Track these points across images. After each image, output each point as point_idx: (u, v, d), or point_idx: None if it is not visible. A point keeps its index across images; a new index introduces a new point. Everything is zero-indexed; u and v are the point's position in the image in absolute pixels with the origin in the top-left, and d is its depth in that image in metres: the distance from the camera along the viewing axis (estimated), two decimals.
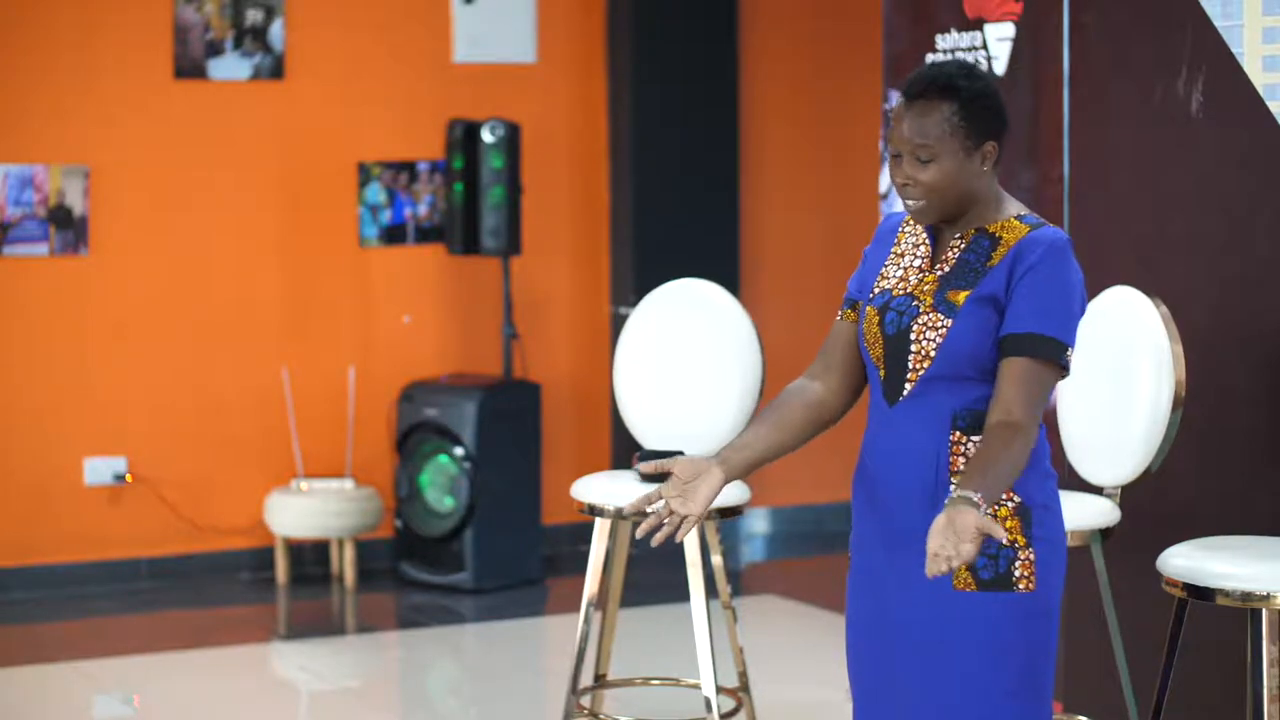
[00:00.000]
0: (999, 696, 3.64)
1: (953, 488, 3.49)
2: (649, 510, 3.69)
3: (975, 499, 3.43)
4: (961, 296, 3.64)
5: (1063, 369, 3.62)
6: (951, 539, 3.38)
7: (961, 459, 3.64)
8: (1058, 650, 5.67)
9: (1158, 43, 5.39)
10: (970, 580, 3.63)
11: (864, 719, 3.79)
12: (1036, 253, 3.62)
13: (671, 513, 3.67)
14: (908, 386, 3.68)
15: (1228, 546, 4.43)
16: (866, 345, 3.75)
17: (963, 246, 3.70)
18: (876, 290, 3.76)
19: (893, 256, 3.79)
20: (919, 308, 3.67)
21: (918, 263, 3.74)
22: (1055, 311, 3.61)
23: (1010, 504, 3.64)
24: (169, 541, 8.25)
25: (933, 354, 3.65)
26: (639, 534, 3.67)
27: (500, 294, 8.50)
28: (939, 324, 3.65)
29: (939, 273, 3.70)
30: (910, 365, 3.67)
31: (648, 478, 3.54)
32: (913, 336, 3.66)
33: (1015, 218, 3.69)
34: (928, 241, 3.75)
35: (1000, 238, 3.67)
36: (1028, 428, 3.57)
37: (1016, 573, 3.63)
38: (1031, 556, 3.64)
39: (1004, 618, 3.63)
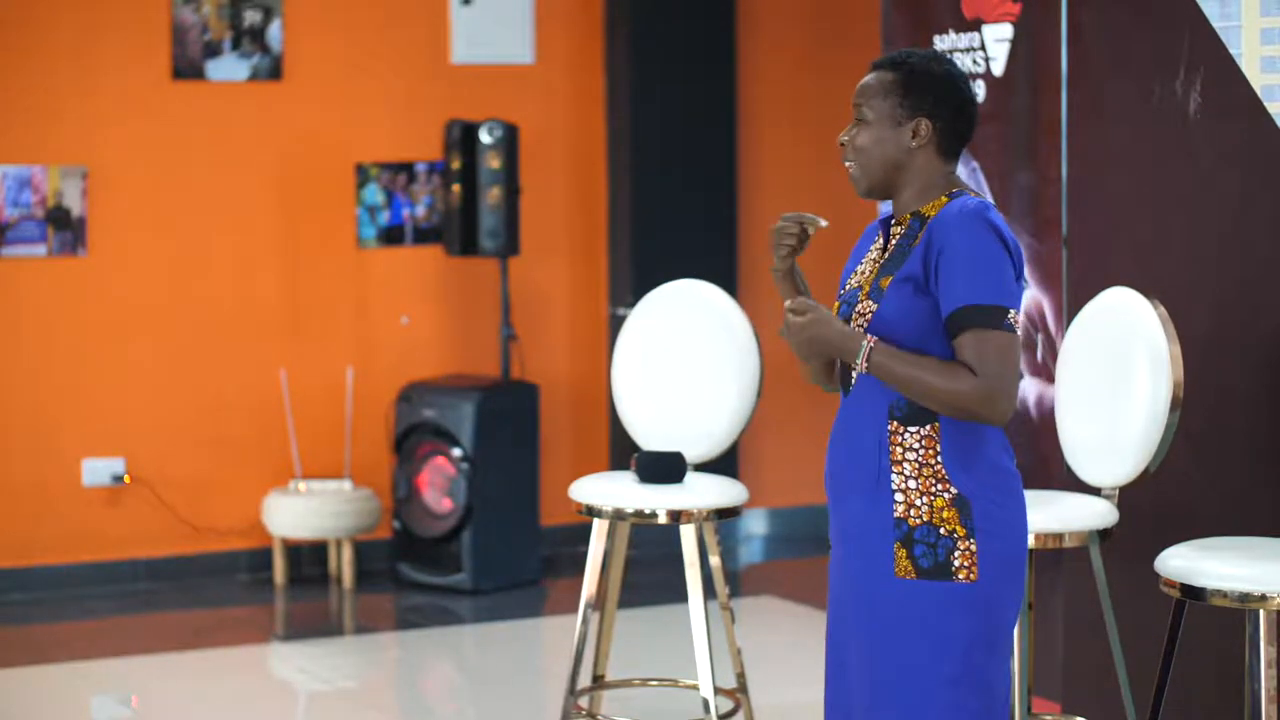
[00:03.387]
0: (935, 684, 3.67)
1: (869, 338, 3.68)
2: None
3: (868, 341, 3.65)
4: (888, 281, 3.73)
5: (1008, 331, 3.64)
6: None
7: (899, 448, 3.69)
8: (1058, 651, 5.68)
9: (1156, 43, 5.39)
10: (910, 568, 3.68)
11: (828, 704, 3.86)
12: (948, 226, 3.69)
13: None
14: (854, 376, 3.77)
15: (1225, 547, 4.43)
16: None
17: (900, 232, 3.80)
18: (846, 289, 3.88)
19: (866, 256, 3.90)
20: (858, 296, 3.78)
21: (874, 256, 3.84)
22: (981, 278, 3.65)
23: (947, 494, 3.68)
24: (167, 542, 8.25)
25: None
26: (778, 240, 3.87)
27: (498, 295, 8.50)
28: (867, 310, 3.74)
29: (881, 262, 3.80)
30: None
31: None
32: (851, 325, 3.75)
33: (945, 195, 3.77)
34: (882, 235, 3.85)
35: (928, 216, 3.76)
36: (980, 378, 3.61)
37: (956, 562, 3.67)
38: (973, 548, 3.67)
39: (942, 607, 3.67)
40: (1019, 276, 3.70)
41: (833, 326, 3.69)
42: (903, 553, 3.68)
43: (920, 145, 3.76)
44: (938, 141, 3.77)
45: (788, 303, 3.75)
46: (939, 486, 3.68)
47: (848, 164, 3.82)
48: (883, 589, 3.70)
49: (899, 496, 3.70)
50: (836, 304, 3.85)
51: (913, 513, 3.68)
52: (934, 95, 3.76)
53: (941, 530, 3.67)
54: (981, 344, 3.63)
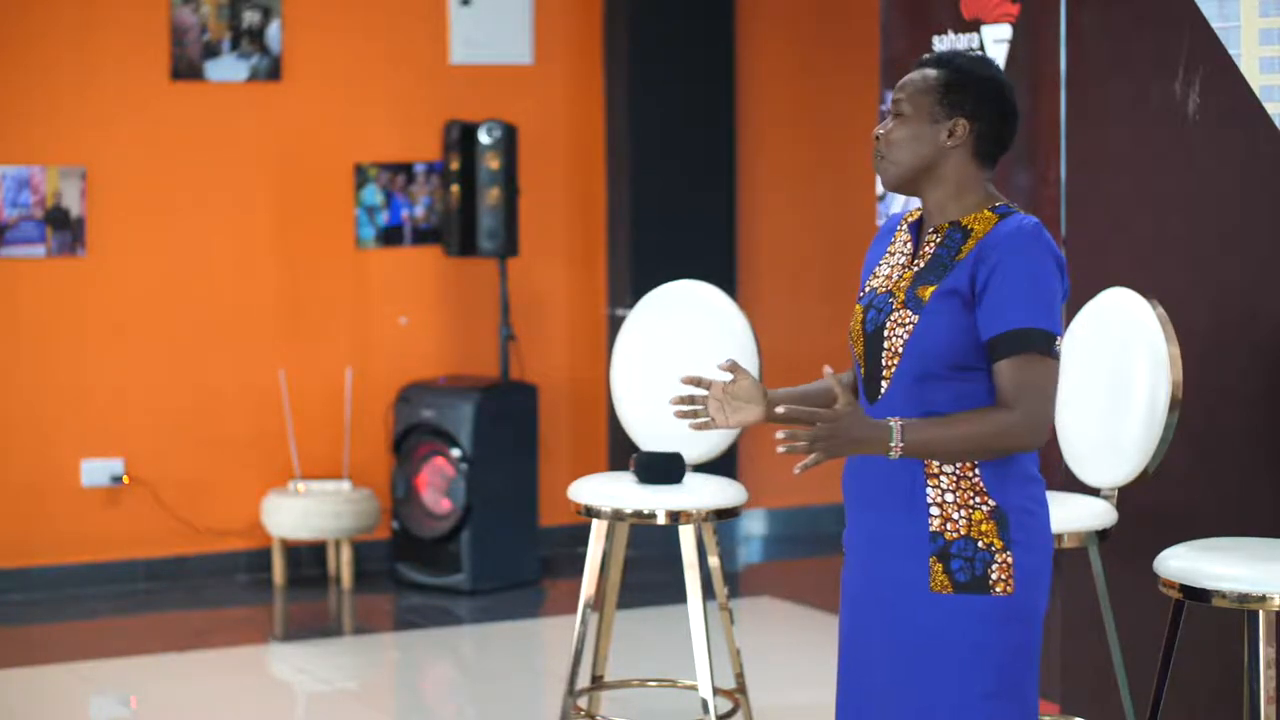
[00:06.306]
0: (974, 698, 3.64)
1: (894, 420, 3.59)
2: (694, 391, 3.76)
3: (894, 424, 3.55)
4: (929, 292, 3.67)
5: (1053, 359, 3.62)
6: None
7: (937, 462, 3.66)
8: (1056, 652, 5.68)
9: (1155, 44, 5.39)
10: (947, 583, 3.64)
11: (842, 711, 3.81)
12: (1004, 244, 3.63)
13: (703, 408, 3.77)
14: (884, 384, 3.71)
15: (1224, 548, 4.42)
16: (851, 341, 3.80)
17: (938, 241, 3.73)
18: (866, 289, 3.81)
19: (886, 256, 3.83)
20: (892, 304, 3.71)
21: (901, 260, 3.78)
22: (1035, 302, 3.61)
23: (985, 507, 3.65)
24: (166, 543, 8.25)
25: (901, 350, 3.67)
26: (671, 401, 3.77)
27: (497, 295, 8.50)
28: (907, 320, 3.67)
29: (915, 269, 3.73)
30: (884, 362, 3.70)
31: (693, 382, 3.73)
32: (885, 333, 3.70)
33: (989, 209, 3.71)
34: (912, 239, 3.78)
35: (971, 229, 3.70)
36: (1019, 412, 3.58)
37: (993, 576, 3.64)
38: (1010, 560, 3.64)
39: (981, 620, 3.64)
40: (1065, 298, 3.68)
41: (859, 425, 3.55)
42: (939, 567, 3.64)
43: (955, 146, 3.70)
44: (974, 145, 3.70)
45: (809, 435, 3.52)
46: (977, 499, 3.64)
47: (878, 157, 3.74)
48: (916, 604, 3.66)
49: (934, 510, 3.65)
50: (859, 307, 3.78)
51: (949, 526, 3.64)
52: (975, 97, 3.70)
53: (979, 544, 3.63)
54: (1025, 371, 3.59)
